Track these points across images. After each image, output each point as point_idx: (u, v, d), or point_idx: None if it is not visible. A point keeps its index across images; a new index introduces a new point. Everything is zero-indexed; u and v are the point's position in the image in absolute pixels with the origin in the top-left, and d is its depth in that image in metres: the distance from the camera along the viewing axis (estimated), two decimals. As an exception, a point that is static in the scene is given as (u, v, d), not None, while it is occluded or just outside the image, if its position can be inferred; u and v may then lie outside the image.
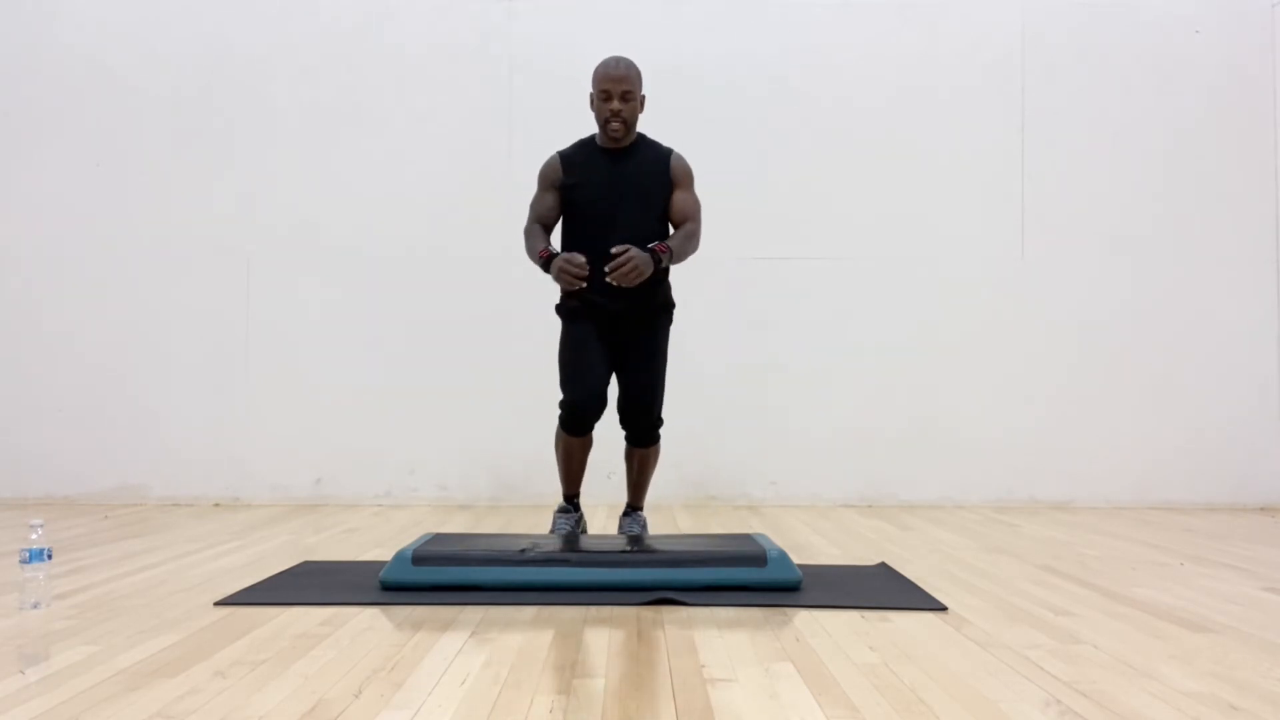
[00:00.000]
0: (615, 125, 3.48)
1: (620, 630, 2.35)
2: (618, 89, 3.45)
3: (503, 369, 4.99)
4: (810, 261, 5.11)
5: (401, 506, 4.93)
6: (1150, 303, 5.14)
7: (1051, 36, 5.18)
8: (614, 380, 3.60)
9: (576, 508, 3.69)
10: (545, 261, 3.43)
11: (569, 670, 2.01)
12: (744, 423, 5.07)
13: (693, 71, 5.13)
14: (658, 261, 3.38)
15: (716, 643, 2.23)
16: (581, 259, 3.34)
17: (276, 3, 5.18)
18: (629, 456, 3.68)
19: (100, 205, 5.13)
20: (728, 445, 5.06)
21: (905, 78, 5.17)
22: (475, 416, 5.04)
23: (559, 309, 3.62)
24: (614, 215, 3.46)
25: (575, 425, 3.55)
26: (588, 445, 3.63)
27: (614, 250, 3.33)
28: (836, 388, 5.09)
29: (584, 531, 3.80)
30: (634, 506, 3.76)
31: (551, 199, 3.56)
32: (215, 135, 5.15)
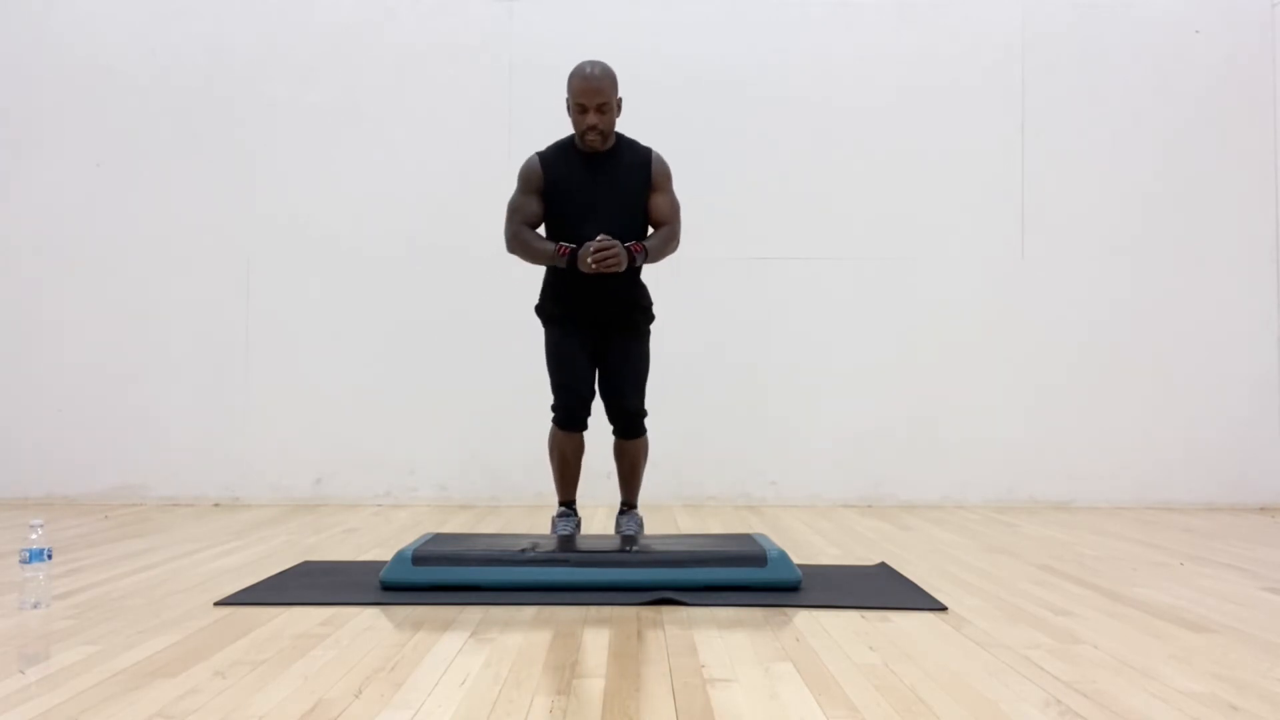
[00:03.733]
0: (593, 137, 3.46)
1: (620, 630, 2.35)
2: (593, 101, 3.41)
3: (503, 369, 4.99)
4: (810, 261, 5.11)
5: (401, 506, 4.93)
6: (1150, 302, 5.14)
7: (1051, 36, 5.18)
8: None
9: (574, 512, 3.70)
10: (567, 258, 3.42)
11: (569, 670, 2.01)
12: (744, 423, 5.06)
13: (691, 71, 5.13)
14: (632, 260, 3.40)
15: (716, 643, 2.23)
16: (602, 240, 3.33)
17: (276, 2, 5.19)
18: (618, 454, 3.70)
19: (101, 205, 5.13)
20: (728, 445, 5.06)
21: (905, 78, 5.17)
22: (475, 416, 5.04)
23: (539, 311, 3.64)
24: (594, 218, 3.44)
25: (569, 419, 3.57)
26: (580, 449, 3.64)
27: (600, 237, 3.33)
28: (837, 387, 5.09)
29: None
30: (629, 505, 3.76)
31: (535, 203, 3.52)
32: (215, 134, 5.15)
